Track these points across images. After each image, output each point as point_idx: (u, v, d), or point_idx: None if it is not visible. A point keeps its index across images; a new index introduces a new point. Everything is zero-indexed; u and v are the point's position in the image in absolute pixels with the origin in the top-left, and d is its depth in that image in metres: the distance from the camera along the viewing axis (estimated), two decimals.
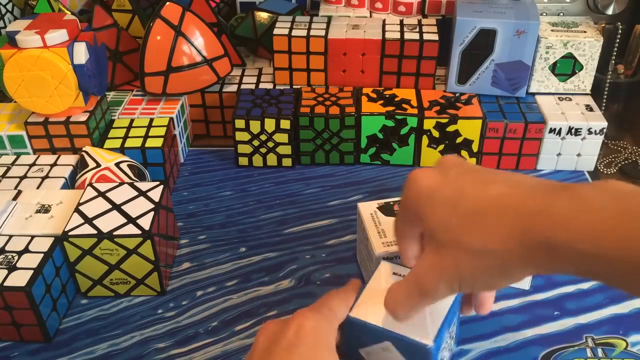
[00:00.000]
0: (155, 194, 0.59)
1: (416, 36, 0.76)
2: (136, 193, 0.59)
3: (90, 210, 0.57)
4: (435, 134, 0.74)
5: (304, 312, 0.42)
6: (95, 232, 0.54)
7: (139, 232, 0.54)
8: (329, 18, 0.82)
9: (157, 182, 0.61)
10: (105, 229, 0.55)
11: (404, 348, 0.43)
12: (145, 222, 0.55)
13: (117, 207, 0.57)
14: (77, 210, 0.57)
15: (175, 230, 0.64)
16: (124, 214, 0.56)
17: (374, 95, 0.76)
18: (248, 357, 0.41)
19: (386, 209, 0.58)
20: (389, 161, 0.76)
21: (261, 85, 0.81)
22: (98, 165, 0.65)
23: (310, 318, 0.41)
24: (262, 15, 0.87)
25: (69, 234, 0.54)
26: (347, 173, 0.76)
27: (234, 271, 0.61)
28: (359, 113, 0.73)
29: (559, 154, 0.74)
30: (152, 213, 0.56)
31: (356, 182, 0.74)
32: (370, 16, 0.85)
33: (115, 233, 0.54)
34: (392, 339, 0.43)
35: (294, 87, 0.80)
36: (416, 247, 0.44)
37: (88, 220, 0.56)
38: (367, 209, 0.58)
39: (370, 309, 0.45)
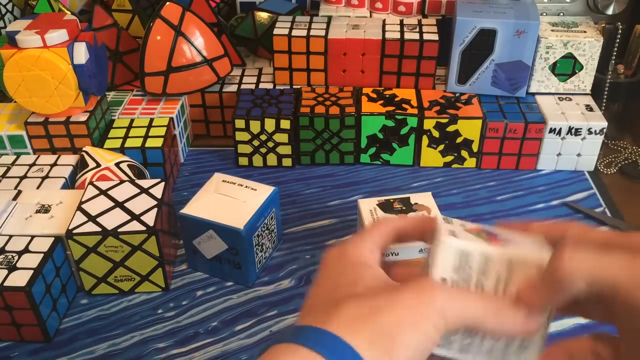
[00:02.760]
0: (157, 191, 0.59)
1: (416, 36, 0.76)
2: (138, 190, 0.59)
3: (93, 208, 0.57)
4: (435, 134, 0.74)
5: (328, 249, 0.38)
6: (99, 229, 0.54)
7: (144, 228, 0.54)
8: (329, 18, 0.82)
9: (158, 180, 0.61)
10: (109, 226, 0.55)
11: (223, 234, 0.55)
12: (149, 219, 0.55)
13: (119, 205, 0.57)
14: (79, 208, 0.57)
15: (177, 227, 0.64)
16: (127, 211, 0.56)
17: (374, 95, 0.76)
18: (312, 288, 0.37)
19: (385, 206, 0.58)
20: (389, 161, 0.76)
21: (261, 85, 0.81)
22: (98, 165, 0.65)
23: (333, 248, 0.37)
24: (262, 15, 0.87)
25: (74, 232, 0.54)
26: (347, 173, 0.76)
27: None
28: (359, 113, 0.73)
29: (559, 154, 0.74)
30: (155, 209, 0.57)
31: (356, 182, 0.74)
32: (370, 16, 0.85)
33: (120, 230, 0.54)
34: (213, 227, 0.55)
35: (294, 87, 0.80)
36: None
37: (92, 218, 0.56)
38: (367, 205, 0.59)
39: (198, 208, 0.57)
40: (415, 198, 0.59)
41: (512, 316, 0.32)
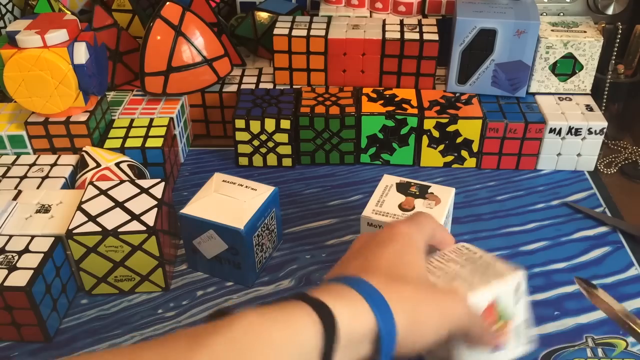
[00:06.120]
0: (157, 191, 0.59)
1: (416, 36, 0.76)
2: (138, 190, 0.59)
3: (93, 208, 0.57)
4: (435, 134, 0.74)
5: (397, 222, 0.45)
6: (99, 229, 0.54)
7: (144, 228, 0.54)
8: (329, 18, 0.82)
9: (158, 180, 0.61)
10: (109, 226, 0.55)
11: (223, 234, 0.55)
12: (149, 219, 0.55)
13: (120, 205, 0.57)
14: (79, 208, 0.57)
15: (177, 227, 0.64)
16: (128, 211, 0.57)
17: (374, 95, 0.76)
18: (341, 259, 0.44)
19: (401, 187, 0.60)
20: (389, 161, 0.76)
21: (261, 85, 0.81)
22: (98, 165, 0.65)
23: (404, 224, 0.44)
24: (262, 15, 0.87)
25: (74, 232, 0.54)
26: (347, 173, 0.76)
27: None
28: (359, 113, 0.73)
29: (559, 154, 0.74)
30: (155, 209, 0.57)
31: (356, 182, 0.74)
32: (370, 16, 0.85)
33: (120, 230, 0.54)
34: (213, 227, 0.55)
35: (294, 87, 0.80)
36: None
37: (92, 218, 0.56)
38: (388, 180, 0.61)
39: (198, 208, 0.57)
40: (436, 190, 0.59)
41: (488, 337, 0.42)
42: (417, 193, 0.59)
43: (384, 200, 0.58)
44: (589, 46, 0.73)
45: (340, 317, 0.34)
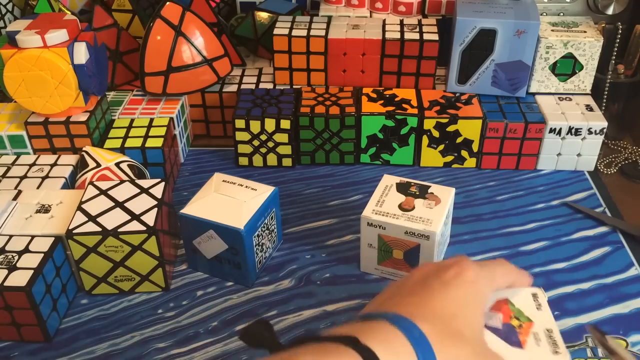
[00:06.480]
0: (157, 191, 0.59)
1: (416, 36, 0.76)
2: (138, 190, 0.59)
3: (93, 208, 0.57)
4: (435, 134, 0.74)
5: (467, 262, 0.41)
6: (99, 229, 0.54)
7: (144, 228, 0.54)
8: (329, 18, 0.82)
9: (158, 180, 0.61)
10: (109, 226, 0.55)
11: (223, 234, 0.55)
12: (149, 219, 0.55)
13: (120, 205, 0.57)
14: (79, 208, 0.57)
15: (177, 227, 0.64)
16: (128, 211, 0.57)
17: (374, 95, 0.76)
18: (398, 284, 0.42)
19: (401, 187, 0.60)
20: (389, 161, 0.76)
21: (261, 85, 0.81)
22: (98, 165, 0.65)
23: (472, 270, 0.41)
24: (262, 15, 0.87)
25: (74, 231, 0.54)
26: (347, 173, 0.76)
27: None
28: (359, 113, 0.73)
29: (559, 154, 0.74)
30: (155, 209, 0.57)
31: (356, 182, 0.74)
32: (370, 16, 0.85)
33: (120, 230, 0.54)
34: (213, 227, 0.56)
35: (294, 87, 0.80)
36: None
37: (92, 218, 0.56)
38: (388, 181, 0.61)
39: (198, 208, 0.57)
40: (436, 190, 0.59)
41: None
42: (417, 193, 0.59)
43: (384, 200, 0.58)
44: (589, 46, 0.73)
45: None
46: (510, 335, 0.42)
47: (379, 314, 0.37)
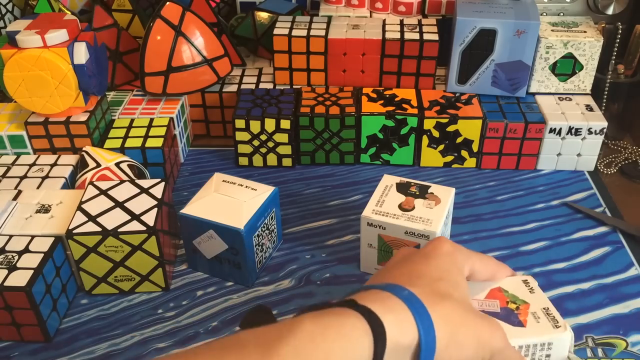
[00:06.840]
0: (157, 191, 0.59)
1: (416, 36, 0.76)
2: (138, 190, 0.59)
3: (93, 208, 0.57)
4: (435, 134, 0.74)
5: (444, 238, 0.44)
6: (99, 229, 0.54)
7: (144, 228, 0.54)
8: (329, 18, 0.82)
9: (158, 180, 0.61)
10: (109, 226, 0.55)
11: (223, 234, 0.55)
12: (149, 219, 0.55)
13: (120, 205, 0.57)
14: (79, 208, 0.57)
15: (177, 227, 0.64)
16: (128, 211, 0.57)
17: (374, 95, 0.76)
18: (382, 269, 0.44)
19: (401, 187, 0.60)
20: (389, 161, 0.76)
21: (261, 85, 0.81)
22: (98, 165, 0.65)
23: (449, 244, 0.44)
24: (262, 15, 0.87)
25: (74, 231, 0.54)
26: (347, 173, 0.76)
27: None
28: (359, 113, 0.73)
29: (559, 154, 0.74)
30: (155, 209, 0.57)
31: (356, 182, 0.74)
32: (370, 16, 0.85)
33: (120, 230, 0.54)
34: (213, 227, 0.56)
35: (294, 87, 0.80)
36: None
37: (92, 218, 0.56)
38: (388, 181, 0.61)
39: (198, 208, 0.57)
40: (436, 190, 0.59)
41: None
42: (417, 193, 0.59)
43: (384, 200, 0.58)
44: (589, 46, 0.73)
45: (388, 327, 0.34)
46: (510, 316, 0.44)
47: (368, 287, 0.39)
